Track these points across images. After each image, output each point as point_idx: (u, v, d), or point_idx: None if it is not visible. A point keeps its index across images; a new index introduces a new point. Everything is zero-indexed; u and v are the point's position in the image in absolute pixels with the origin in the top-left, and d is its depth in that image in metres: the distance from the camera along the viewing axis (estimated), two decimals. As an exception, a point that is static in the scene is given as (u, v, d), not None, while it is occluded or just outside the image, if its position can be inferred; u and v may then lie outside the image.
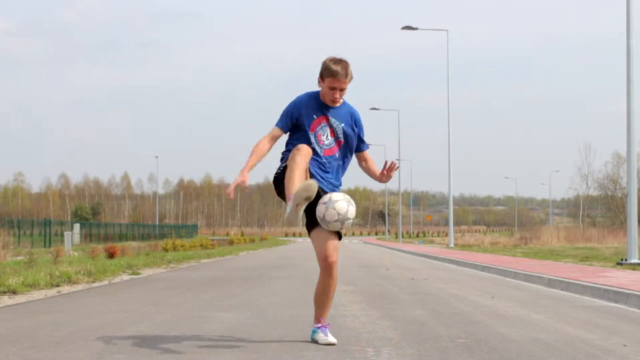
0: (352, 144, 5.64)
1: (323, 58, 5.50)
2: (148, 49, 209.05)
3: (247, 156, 5.40)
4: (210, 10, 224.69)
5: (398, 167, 5.67)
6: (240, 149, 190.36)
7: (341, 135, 5.57)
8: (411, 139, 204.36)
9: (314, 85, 5.61)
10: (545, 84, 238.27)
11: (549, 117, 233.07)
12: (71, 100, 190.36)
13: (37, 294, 10.10)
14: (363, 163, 5.87)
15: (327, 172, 5.55)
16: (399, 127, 59.69)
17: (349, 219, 5.17)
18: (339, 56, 5.47)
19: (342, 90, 5.46)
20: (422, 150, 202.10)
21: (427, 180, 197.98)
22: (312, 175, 5.43)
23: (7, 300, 9.36)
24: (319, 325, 5.58)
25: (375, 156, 6.03)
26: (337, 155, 5.59)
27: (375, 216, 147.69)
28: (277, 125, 5.52)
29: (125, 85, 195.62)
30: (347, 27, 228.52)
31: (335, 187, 5.57)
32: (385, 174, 5.67)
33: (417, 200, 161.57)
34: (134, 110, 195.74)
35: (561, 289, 11.20)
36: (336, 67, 5.40)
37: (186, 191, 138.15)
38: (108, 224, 65.20)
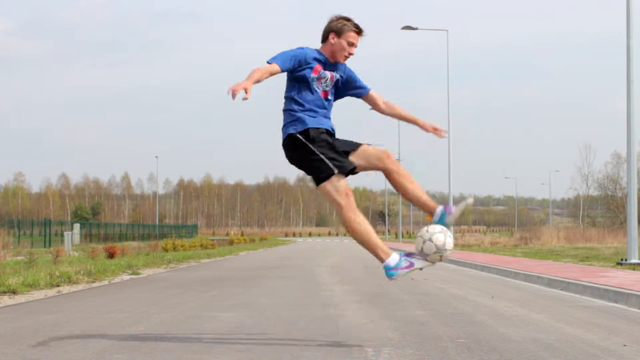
0: (339, 90, 5.61)
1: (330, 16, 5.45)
2: (148, 49, 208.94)
3: (250, 73, 5.09)
4: (210, 10, 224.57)
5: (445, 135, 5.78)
6: (240, 149, 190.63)
7: (337, 81, 5.54)
8: (411, 139, 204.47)
9: None
10: (545, 83, 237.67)
11: (549, 117, 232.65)
12: (71, 100, 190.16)
13: (37, 294, 10.11)
14: (382, 106, 5.79)
15: (329, 118, 5.53)
16: (399, 127, 59.35)
17: (447, 250, 5.31)
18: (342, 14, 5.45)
19: (356, 46, 5.47)
20: (422, 150, 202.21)
21: (427, 180, 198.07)
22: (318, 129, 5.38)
23: (7, 300, 9.37)
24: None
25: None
26: (330, 97, 5.52)
27: (375, 216, 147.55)
28: (274, 61, 5.23)
29: (125, 85, 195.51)
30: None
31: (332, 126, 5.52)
32: (431, 129, 5.73)
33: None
34: (134, 110, 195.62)
35: (561, 289, 11.20)
36: (356, 23, 5.41)
37: (186, 191, 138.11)
38: (108, 224, 65.19)
